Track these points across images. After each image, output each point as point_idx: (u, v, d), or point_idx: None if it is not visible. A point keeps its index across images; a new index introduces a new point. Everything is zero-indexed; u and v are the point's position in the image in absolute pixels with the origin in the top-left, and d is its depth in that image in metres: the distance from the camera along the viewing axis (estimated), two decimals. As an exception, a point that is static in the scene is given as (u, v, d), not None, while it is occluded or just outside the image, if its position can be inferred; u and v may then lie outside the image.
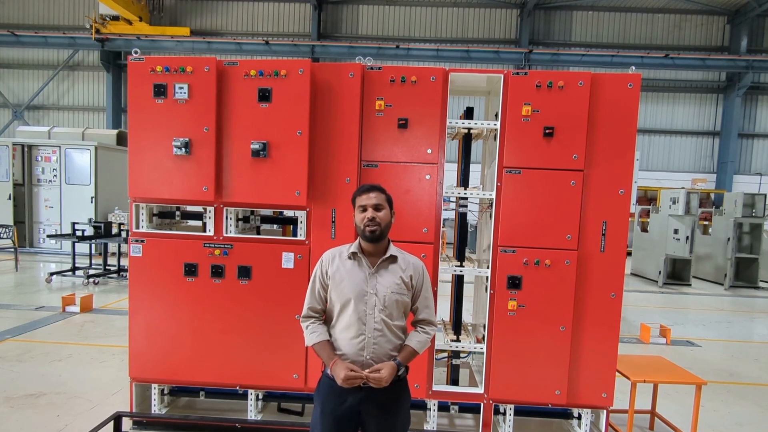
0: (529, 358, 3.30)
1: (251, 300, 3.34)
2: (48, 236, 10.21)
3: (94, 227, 8.80)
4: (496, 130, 3.33)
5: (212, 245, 3.35)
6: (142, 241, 3.37)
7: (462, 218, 3.67)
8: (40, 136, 12.19)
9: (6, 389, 4.05)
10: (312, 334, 2.20)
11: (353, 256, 2.20)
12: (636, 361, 3.63)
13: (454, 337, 3.54)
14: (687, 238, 10.22)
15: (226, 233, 3.37)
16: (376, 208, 2.15)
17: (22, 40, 17.53)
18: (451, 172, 3.51)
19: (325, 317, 2.29)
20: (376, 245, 2.19)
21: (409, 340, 2.22)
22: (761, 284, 10.93)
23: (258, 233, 3.75)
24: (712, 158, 18.45)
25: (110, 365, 4.68)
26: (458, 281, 3.61)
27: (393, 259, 2.21)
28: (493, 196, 3.29)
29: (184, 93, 3.19)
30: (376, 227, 2.13)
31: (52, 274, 8.54)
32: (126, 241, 7.76)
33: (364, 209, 2.15)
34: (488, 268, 3.37)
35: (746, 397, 4.57)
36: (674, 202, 10.52)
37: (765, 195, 10.85)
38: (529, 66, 17.04)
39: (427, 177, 3.29)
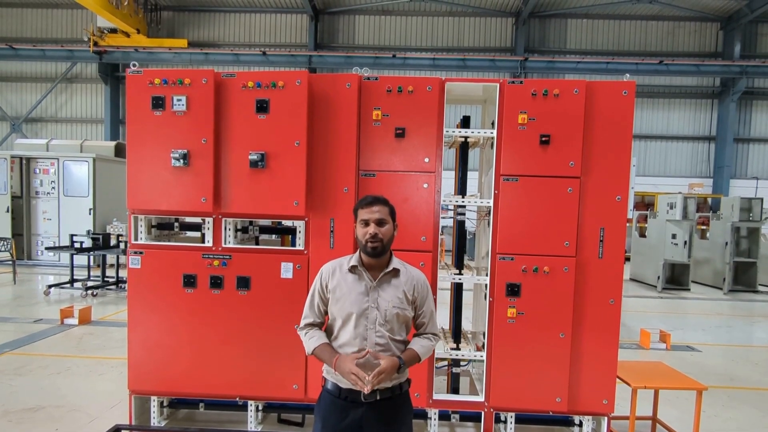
0: (529, 366, 3.29)
1: (250, 311, 3.34)
2: (46, 248, 10.20)
3: (93, 239, 8.78)
4: (492, 138, 3.35)
5: (211, 256, 3.35)
6: (141, 252, 3.37)
7: (460, 226, 3.68)
8: (38, 148, 12.21)
9: (4, 403, 4.03)
10: (311, 339, 2.17)
11: (354, 269, 2.16)
12: (636, 367, 3.62)
13: (454, 346, 3.54)
14: (685, 242, 10.24)
15: (225, 244, 3.37)
16: (379, 223, 2.10)
17: (20, 54, 17.59)
18: (448, 180, 3.53)
19: (324, 329, 2.27)
20: (377, 258, 2.14)
21: (413, 344, 2.20)
22: (760, 288, 10.93)
23: (257, 244, 3.76)
24: (709, 163, 18.52)
25: (109, 377, 4.65)
26: (457, 289, 3.61)
27: (395, 272, 2.18)
28: (491, 204, 3.31)
29: (183, 105, 3.21)
30: (378, 243, 2.09)
31: (50, 286, 8.50)
32: (124, 252, 7.76)
33: (367, 224, 2.10)
34: (487, 275, 3.38)
35: (747, 401, 4.56)
36: (671, 207, 10.55)
37: (761, 199, 10.90)
38: (525, 74, 17.16)
39: (425, 186, 3.30)
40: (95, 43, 17.30)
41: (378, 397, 2.09)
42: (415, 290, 2.20)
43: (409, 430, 2.23)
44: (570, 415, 3.47)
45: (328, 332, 2.23)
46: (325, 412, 2.14)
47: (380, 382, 2.01)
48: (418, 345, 2.20)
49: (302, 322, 2.24)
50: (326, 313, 2.24)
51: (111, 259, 9.56)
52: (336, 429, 2.09)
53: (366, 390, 1.97)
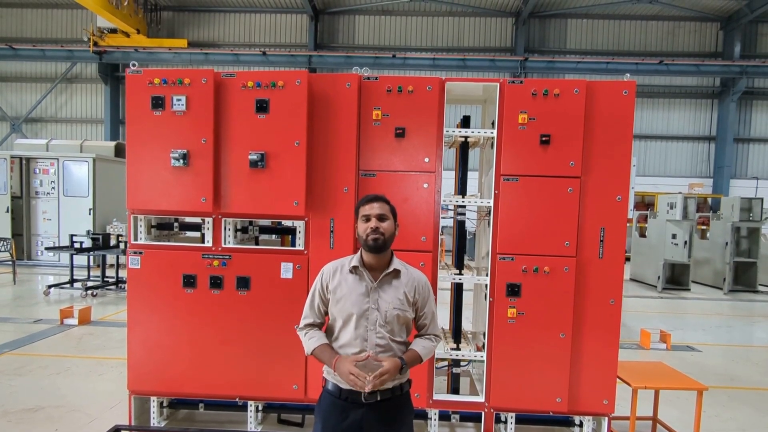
0: (529, 366, 3.29)
1: (250, 311, 3.34)
2: (46, 249, 10.18)
3: (93, 239, 8.77)
4: (492, 138, 3.35)
5: (211, 256, 3.34)
6: (141, 252, 3.37)
7: (460, 226, 3.68)
8: (38, 148, 12.20)
9: (4, 403, 4.02)
10: (311, 339, 2.16)
11: (355, 269, 2.16)
12: (637, 368, 3.62)
13: (454, 346, 3.53)
14: (685, 242, 10.24)
15: (225, 244, 3.37)
16: (380, 218, 2.11)
17: (20, 54, 17.57)
18: (448, 180, 3.52)
19: (325, 330, 2.26)
20: (378, 258, 2.14)
21: (414, 345, 2.20)
22: (760, 288, 10.92)
23: (257, 244, 3.76)
24: (709, 163, 18.52)
25: (109, 378, 4.65)
26: (457, 289, 3.61)
27: (396, 273, 2.17)
28: (491, 204, 3.31)
29: (182, 105, 3.20)
30: (380, 236, 2.08)
31: (50, 286, 8.50)
32: (124, 252, 7.76)
33: (368, 219, 2.11)
34: (487, 275, 3.37)
35: (747, 402, 4.55)
36: (672, 207, 10.55)
37: (761, 199, 10.89)
38: (525, 74, 17.16)
39: (425, 185, 3.30)
40: (95, 44, 17.29)
41: (379, 398, 2.08)
42: (416, 291, 2.19)
43: (409, 430, 2.22)
44: (570, 416, 3.46)
45: (329, 333, 2.22)
46: (326, 413, 2.13)
47: (383, 384, 2.01)
48: (419, 345, 2.19)
49: (302, 322, 2.24)
50: (326, 313, 2.23)
51: (111, 259, 9.56)
52: (336, 430, 2.09)
53: (366, 389, 1.96)
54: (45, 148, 12.11)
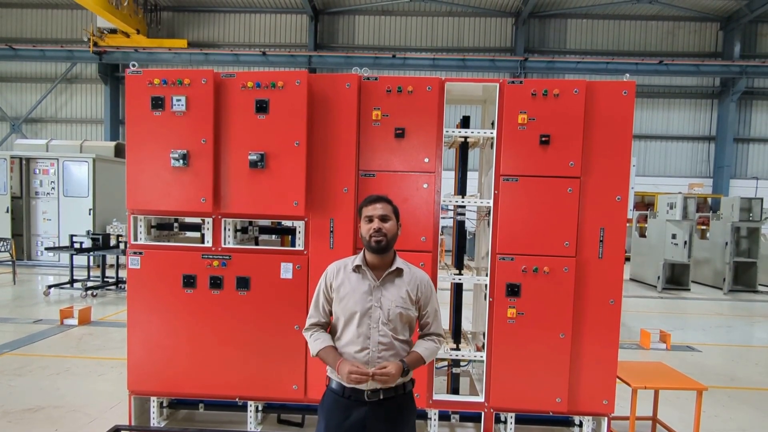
0: (529, 366, 3.29)
1: (250, 311, 3.33)
2: (46, 249, 10.18)
3: (92, 239, 8.78)
4: (492, 138, 3.35)
5: (211, 256, 3.34)
6: (141, 253, 3.37)
7: (460, 226, 3.68)
8: (38, 148, 12.20)
9: (4, 404, 4.02)
10: (316, 341, 2.18)
11: (358, 268, 2.18)
12: (636, 368, 3.62)
13: (454, 346, 3.53)
14: (685, 242, 10.23)
15: (225, 244, 3.37)
16: (383, 218, 2.13)
17: (20, 54, 17.58)
18: (448, 180, 3.52)
19: (330, 330, 2.27)
20: (381, 257, 2.16)
21: (417, 347, 2.21)
22: (760, 288, 10.92)
23: (256, 244, 3.75)
24: (709, 163, 18.52)
25: (109, 378, 4.65)
26: (457, 289, 3.61)
27: (399, 272, 2.19)
28: (491, 204, 3.31)
29: (182, 105, 3.20)
30: (382, 238, 2.11)
31: (50, 286, 8.50)
32: (124, 252, 7.76)
33: (371, 220, 2.13)
34: (487, 275, 3.37)
35: (748, 402, 4.55)
36: (671, 207, 10.55)
37: (761, 199, 10.89)
38: (525, 74, 17.16)
39: (425, 186, 3.30)
40: (95, 44, 17.29)
41: (381, 397, 2.09)
42: (418, 290, 2.21)
43: (412, 430, 2.23)
44: (570, 416, 3.46)
45: (332, 331, 2.24)
46: (329, 412, 2.14)
47: (384, 382, 2.02)
48: (422, 347, 2.21)
49: (307, 322, 2.26)
50: (331, 313, 2.24)
51: (111, 259, 9.56)
52: (339, 428, 2.10)
53: (369, 373, 1.98)
54: (45, 149, 12.10)
